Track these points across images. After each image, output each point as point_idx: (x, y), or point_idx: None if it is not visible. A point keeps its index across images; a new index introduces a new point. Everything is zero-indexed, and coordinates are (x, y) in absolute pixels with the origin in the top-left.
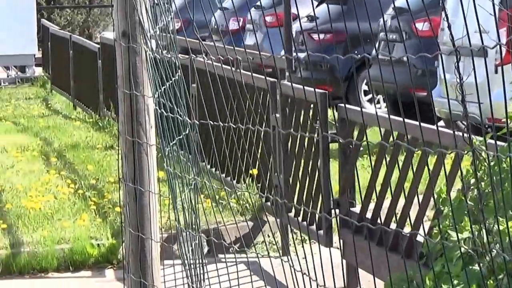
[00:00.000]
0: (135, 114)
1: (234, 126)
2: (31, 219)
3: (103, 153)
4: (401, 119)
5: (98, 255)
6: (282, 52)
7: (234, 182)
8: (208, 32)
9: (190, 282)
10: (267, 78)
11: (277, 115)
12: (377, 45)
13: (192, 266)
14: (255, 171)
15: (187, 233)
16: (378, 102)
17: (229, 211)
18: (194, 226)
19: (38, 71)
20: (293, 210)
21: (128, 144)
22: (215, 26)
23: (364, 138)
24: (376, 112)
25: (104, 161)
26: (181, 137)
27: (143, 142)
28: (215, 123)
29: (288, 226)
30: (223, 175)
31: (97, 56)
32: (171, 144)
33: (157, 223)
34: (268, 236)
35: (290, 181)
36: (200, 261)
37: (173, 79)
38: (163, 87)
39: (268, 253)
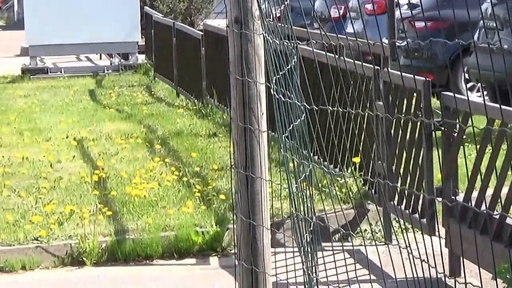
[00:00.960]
0: (247, 101)
1: (342, 111)
2: (136, 206)
3: (207, 141)
4: (506, 107)
5: (203, 243)
6: (384, 40)
7: (337, 169)
8: (309, 19)
9: (305, 268)
10: (370, 65)
11: (380, 102)
12: (477, 33)
13: (306, 252)
14: (357, 159)
15: (301, 219)
16: (478, 90)
17: (332, 199)
18: (308, 212)
19: (141, 58)
20: (396, 198)
21: (240, 131)
22: (316, 14)
23: (469, 124)
24: (484, 100)
25: (207, 148)
26: (297, 123)
27: (254, 128)
28: (326, 108)
29: (391, 214)
30: (326, 162)
31: (200, 44)
32: (288, 130)
33: (268, 210)
34: (370, 225)
35: (393, 169)
36: (314, 248)
37: (289, 65)
38: (279, 73)
39: (375, 241)
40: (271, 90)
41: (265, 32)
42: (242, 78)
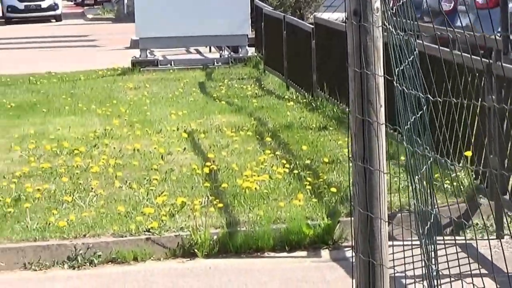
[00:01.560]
0: (365, 93)
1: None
2: (247, 199)
3: (317, 134)
4: None
5: (314, 235)
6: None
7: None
8: (419, 13)
9: (425, 260)
10: (482, 59)
11: (493, 96)
12: None
13: (427, 245)
14: (469, 153)
15: (421, 211)
16: None
17: (445, 192)
18: (429, 204)
19: (251, 51)
20: (509, 192)
21: (358, 123)
22: (427, 7)
23: None
24: None
25: (318, 141)
26: (419, 115)
27: (373, 121)
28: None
29: (503, 208)
30: (437, 155)
31: (311, 37)
32: (409, 122)
33: (386, 203)
34: (483, 219)
35: (506, 163)
36: (434, 240)
37: (410, 58)
38: (401, 66)
39: (487, 235)
40: (394, 82)
41: (388, 24)
42: (360, 70)
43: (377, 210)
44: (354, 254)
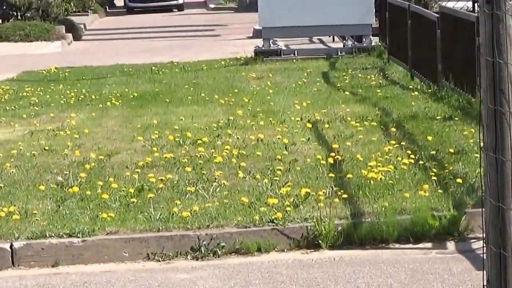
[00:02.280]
0: (497, 82)
1: None
2: (372, 190)
3: (442, 124)
4: None
5: (439, 227)
6: None
7: None
8: None
9: None
10: None
11: None
12: None
13: None
14: None
15: None
16: None
17: None
18: None
19: (375, 41)
20: None
21: (490, 113)
22: None
23: None
24: None
25: (443, 132)
26: None
27: (505, 110)
28: None
29: None
30: None
31: (436, 26)
32: None
33: None
34: None
35: None
36: None
37: None
38: None
39: None
40: None
41: None
42: (492, 59)
43: (509, 201)
44: (484, 245)
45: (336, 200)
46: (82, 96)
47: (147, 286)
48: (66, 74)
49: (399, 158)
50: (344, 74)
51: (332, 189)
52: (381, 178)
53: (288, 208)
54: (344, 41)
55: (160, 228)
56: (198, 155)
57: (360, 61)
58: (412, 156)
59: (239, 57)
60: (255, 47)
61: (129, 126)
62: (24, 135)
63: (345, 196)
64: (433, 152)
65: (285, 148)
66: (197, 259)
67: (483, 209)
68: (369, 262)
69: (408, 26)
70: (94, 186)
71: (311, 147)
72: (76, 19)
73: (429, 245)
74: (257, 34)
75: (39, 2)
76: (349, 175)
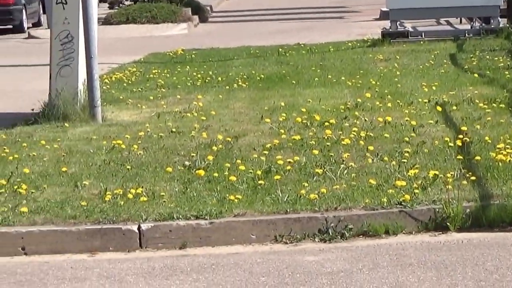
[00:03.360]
0: None
1: None
2: (500, 172)
3: None
4: None
5: None
6: None
7: None
8: None
9: None
10: None
11: None
12: None
13: None
14: None
15: None
16: None
17: None
18: None
19: (503, 22)
20: None
21: None
22: None
23: None
24: None
25: None
26: None
27: None
28: None
29: None
30: None
31: None
32: None
33: None
34: None
35: None
36: None
37: None
38: None
39: None
40: None
41: None
42: None
43: None
44: None
45: (464, 182)
46: (208, 78)
47: (275, 268)
48: (193, 56)
49: None
50: (471, 56)
51: (460, 171)
52: (509, 160)
53: (416, 191)
54: (472, 23)
55: (288, 210)
56: (326, 137)
57: (487, 42)
58: None
59: (365, 38)
60: (382, 29)
61: (256, 108)
62: (151, 117)
63: (473, 178)
64: None
65: (413, 130)
66: (324, 242)
67: None
68: (498, 245)
69: None
70: (222, 168)
71: (439, 129)
72: (202, 0)
73: None
74: (383, 15)
75: None
76: (477, 157)
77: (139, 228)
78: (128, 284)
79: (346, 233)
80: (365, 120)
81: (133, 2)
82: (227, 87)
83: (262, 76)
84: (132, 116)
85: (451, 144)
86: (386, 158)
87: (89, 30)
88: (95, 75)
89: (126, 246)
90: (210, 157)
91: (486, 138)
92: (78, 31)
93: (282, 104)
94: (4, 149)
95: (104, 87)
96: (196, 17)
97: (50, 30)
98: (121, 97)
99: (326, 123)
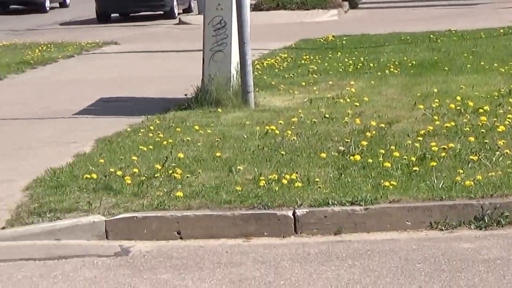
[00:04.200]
0: None
1: None
2: None
3: None
4: None
5: None
6: None
7: None
8: None
9: None
10: None
11: None
12: None
13: None
14: None
15: None
16: None
17: None
18: None
19: None
20: None
21: None
22: None
23: None
24: None
25: None
26: None
27: None
28: None
29: None
30: None
31: None
32: None
33: None
34: None
35: None
36: None
37: None
38: None
39: None
40: None
41: None
42: None
43: None
44: None
45: None
46: (360, 64)
47: (431, 255)
48: (343, 42)
49: None
50: None
51: None
52: None
53: None
54: None
55: (443, 197)
56: (480, 124)
57: None
58: None
59: None
60: None
61: (408, 94)
62: (303, 102)
63: None
64: None
65: None
66: (480, 229)
67: None
68: None
69: None
70: (376, 154)
71: None
72: None
73: None
74: None
75: None
76: None
77: (294, 213)
78: (283, 269)
79: (502, 220)
80: None
81: None
82: (379, 73)
83: (414, 62)
84: (285, 102)
85: None
86: None
87: (242, 15)
88: (248, 60)
89: (281, 231)
90: (364, 143)
91: None
92: (231, 17)
93: (435, 90)
94: (159, 134)
95: (255, 73)
96: (346, 3)
97: (203, 15)
98: (273, 83)
99: (480, 110)
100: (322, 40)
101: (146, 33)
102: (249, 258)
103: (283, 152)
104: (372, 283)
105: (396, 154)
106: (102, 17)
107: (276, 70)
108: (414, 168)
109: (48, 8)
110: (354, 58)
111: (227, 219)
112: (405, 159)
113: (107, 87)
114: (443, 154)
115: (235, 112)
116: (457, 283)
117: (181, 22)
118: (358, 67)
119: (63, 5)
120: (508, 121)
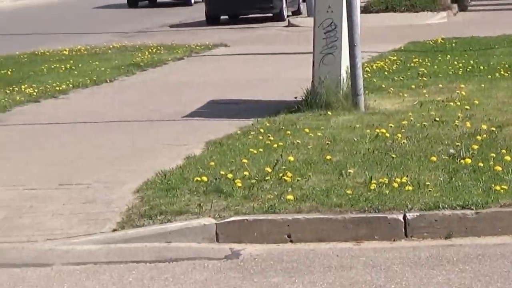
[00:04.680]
0: None
1: None
2: None
3: None
4: None
5: None
6: None
7: None
8: None
9: None
10: None
11: None
12: None
13: None
14: None
15: None
16: None
17: None
18: None
19: None
20: None
21: None
22: None
23: None
24: None
25: None
26: None
27: None
28: None
29: None
30: None
31: None
32: None
33: None
34: None
35: None
36: None
37: None
38: None
39: None
40: None
41: None
42: None
43: None
44: None
45: None
46: (469, 67)
47: None
48: (453, 44)
49: None
50: None
51: None
52: None
53: None
54: None
55: None
56: None
57: None
58: None
59: None
60: None
61: None
62: (413, 105)
63: None
64: None
65: None
66: None
67: None
68: None
69: None
70: (487, 158)
71: None
72: None
73: None
74: None
75: None
76: None
77: (404, 217)
78: (394, 273)
79: None
80: None
81: None
82: (489, 76)
83: None
84: (394, 105)
85: None
86: None
87: (352, 18)
88: (358, 63)
89: (391, 235)
90: (475, 147)
91: None
92: (341, 19)
93: None
94: (269, 136)
95: (365, 75)
96: (455, 6)
97: (313, 18)
98: (382, 86)
99: None
100: (431, 43)
101: (255, 35)
102: (359, 262)
103: (393, 156)
104: None
105: (507, 158)
106: (212, 19)
107: (386, 72)
108: None
109: (193, 2)
110: (463, 61)
111: (337, 223)
112: None
113: (217, 89)
114: None
115: (345, 115)
116: None
117: (290, 25)
118: (468, 70)
119: (187, 3)
120: None
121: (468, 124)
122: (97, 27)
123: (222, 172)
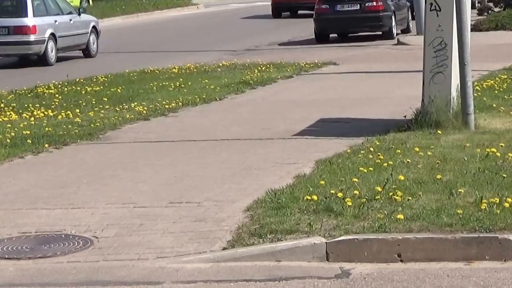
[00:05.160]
0: None
1: None
2: None
3: None
4: None
5: None
6: None
7: None
8: None
9: None
10: None
11: None
12: None
13: None
14: None
15: None
16: None
17: None
18: None
19: None
20: None
21: None
22: None
23: None
24: None
25: None
26: None
27: None
28: None
29: None
30: None
31: None
32: None
33: None
34: None
35: None
36: None
37: None
38: None
39: None
40: None
41: None
42: None
43: None
44: None
45: None
46: None
47: None
48: None
49: None
50: None
51: None
52: None
53: None
54: None
55: None
56: None
57: None
58: None
59: None
60: None
61: None
62: None
63: None
64: None
65: None
66: None
67: None
68: None
69: None
70: None
71: None
72: None
73: None
74: None
75: None
76: None
77: None
78: None
79: None
80: None
81: (502, 9)
82: None
83: None
84: (505, 124)
85: None
86: None
87: (462, 37)
88: (468, 82)
89: (502, 255)
90: None
91: None
92: (451, 38)
93: None
94: (379, 155)
95: (475, 94)
96: None
97: (423, 37)
98: (493, 105)
99: None
100: None
101: (364, 53)
102: (470, 282)
103: (504, 175)
104: None
105: None
106: (321, 37)
107: (496, 91)
108: None
109: None
110: None
111: (448, 242)
112: None
113: (326, 108)
114: None
115: (455, 134)
116: None
117: (399, 43)
118: None
119: None
120: None
121: None
122: (209, 45)
123: (332, 191)
